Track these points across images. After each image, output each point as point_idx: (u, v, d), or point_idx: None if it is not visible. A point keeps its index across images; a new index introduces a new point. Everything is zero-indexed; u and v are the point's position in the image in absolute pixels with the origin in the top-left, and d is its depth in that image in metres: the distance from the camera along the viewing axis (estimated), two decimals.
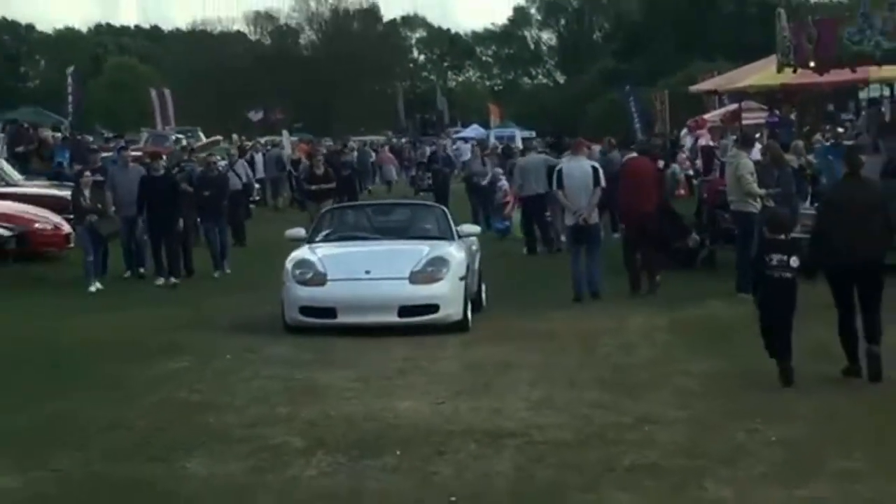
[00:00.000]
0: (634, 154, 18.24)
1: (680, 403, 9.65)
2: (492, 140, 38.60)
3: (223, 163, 23.22)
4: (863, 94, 26.89)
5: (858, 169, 11.08)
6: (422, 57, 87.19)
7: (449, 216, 14.57)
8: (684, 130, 31.60)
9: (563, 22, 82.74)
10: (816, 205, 13.66)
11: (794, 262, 10.42)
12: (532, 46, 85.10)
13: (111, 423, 8.93)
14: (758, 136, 22.96)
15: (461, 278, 13.03)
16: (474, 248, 14.79)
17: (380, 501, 7.02)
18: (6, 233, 18.75)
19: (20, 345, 12.38)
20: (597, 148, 22.62)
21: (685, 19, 61.33)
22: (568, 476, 7.59)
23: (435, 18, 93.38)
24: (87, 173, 18.03)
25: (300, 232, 14.62)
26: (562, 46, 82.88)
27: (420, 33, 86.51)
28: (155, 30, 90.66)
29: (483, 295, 14.65)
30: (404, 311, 12.82)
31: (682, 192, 26.71)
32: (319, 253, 13.75)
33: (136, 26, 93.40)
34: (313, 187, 23.18)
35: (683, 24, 60.60)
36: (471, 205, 26.15)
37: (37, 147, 31.30)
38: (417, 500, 7.06)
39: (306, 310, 12.97)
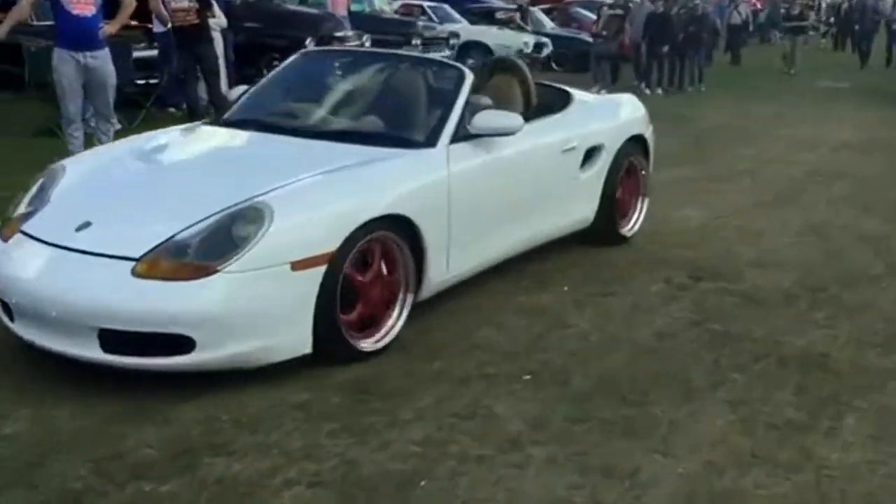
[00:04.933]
0: None
1: None
2: None
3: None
4: None
5: None
6: None
7: (464, 85, 4.91)
8: None
9: None
10: None
11: None
12: None
13: None
14: None
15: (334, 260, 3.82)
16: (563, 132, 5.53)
17: None
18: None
19: None
20: None
21: None
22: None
23: None
24: (606, 8, 17.61)
25: (239, 91, 5.64)
26: None
27: None
28: None
29: (636, 222, 6.21)
30: (110, 339, 3.59)
31: None
32: (95, 158, 4.92)
33: None
34: (788, 24, 21.73)
35: None
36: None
37: None
38: None
39: None
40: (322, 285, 3.84)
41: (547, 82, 6.44)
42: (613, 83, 16.63)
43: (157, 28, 10.91)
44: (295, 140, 4.69)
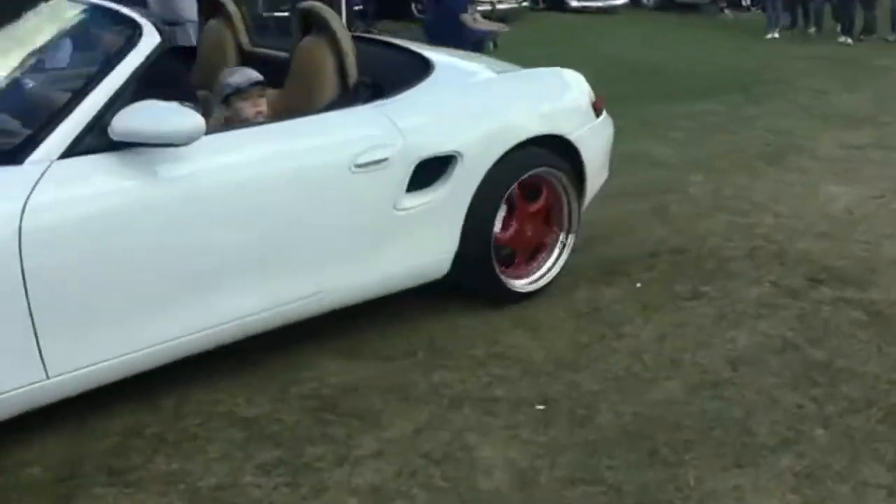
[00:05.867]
0: None
1: None
2: None
3: None
4: None
5: None
6: None
7: (126, 59, 2.78)
8: None
9: None
10: None
11: None
12: None
13: None
14: None
15: None
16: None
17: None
18: None
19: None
20: None
21: None
22: None
23: None
24: None
25: None
26: None
27: None
28: None
29: (548, 271, 3.99)
30: None
31: None
32: None
33: None
34: None
35: None
36: None
37: None
38: None
39: None
40: None
41: (398, 42, 4.28)
42: (794, 26, 14.92)
43: None
44: None
